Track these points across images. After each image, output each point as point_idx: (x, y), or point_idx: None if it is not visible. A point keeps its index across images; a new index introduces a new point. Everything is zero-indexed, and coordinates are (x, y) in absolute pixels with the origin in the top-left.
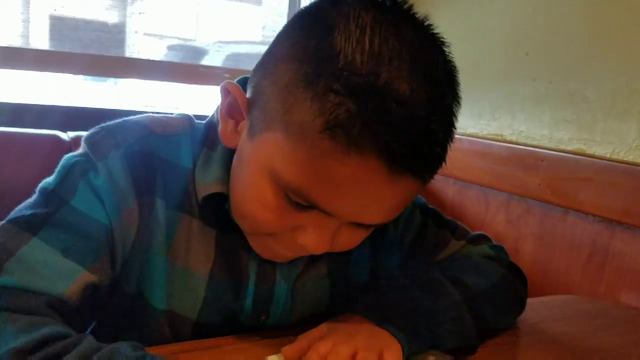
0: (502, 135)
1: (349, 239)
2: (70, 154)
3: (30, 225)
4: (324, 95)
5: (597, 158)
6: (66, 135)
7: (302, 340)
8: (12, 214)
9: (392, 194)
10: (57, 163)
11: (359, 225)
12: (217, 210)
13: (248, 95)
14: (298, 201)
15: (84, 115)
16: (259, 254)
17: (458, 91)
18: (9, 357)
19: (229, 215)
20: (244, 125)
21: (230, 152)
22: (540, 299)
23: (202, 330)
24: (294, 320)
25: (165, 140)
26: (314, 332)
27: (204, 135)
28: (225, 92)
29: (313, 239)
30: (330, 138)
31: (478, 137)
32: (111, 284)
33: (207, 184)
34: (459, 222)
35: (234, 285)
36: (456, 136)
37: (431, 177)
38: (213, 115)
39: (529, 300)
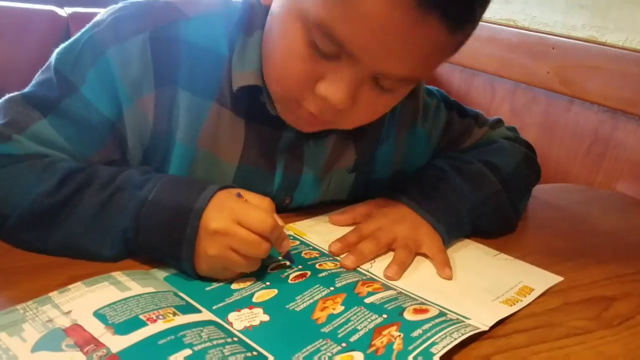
0: (514, 21)
1: (371, 102)
2: (92, 24)
3: (41, 106)
4: None
5: (609, 46)
6: (63, 11)
7: (349, 213)
8: (28, 87)
9: (419, 36)
10: (54, 40)
11: (382, 88)
12: (250, 102)
13: None
14: (325, 47)
15: None
16: (285, 120)
17: None
18: (39, 200)
19: (262, 107)
20: None
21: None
22: (537, 187)
23: None
24: (314, 204)
25: (198, 24)
26: (361, 209)
27: (241, 17)
28: None
29: (334, 87)
30: None
31: (489, 22)
32: None
33: (244, 74)
34: (478, 110)
35: (261, 173)
36: None
37: (460, 27)
38: None
39: None
